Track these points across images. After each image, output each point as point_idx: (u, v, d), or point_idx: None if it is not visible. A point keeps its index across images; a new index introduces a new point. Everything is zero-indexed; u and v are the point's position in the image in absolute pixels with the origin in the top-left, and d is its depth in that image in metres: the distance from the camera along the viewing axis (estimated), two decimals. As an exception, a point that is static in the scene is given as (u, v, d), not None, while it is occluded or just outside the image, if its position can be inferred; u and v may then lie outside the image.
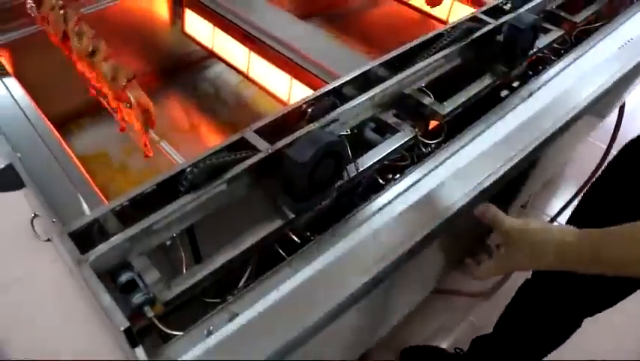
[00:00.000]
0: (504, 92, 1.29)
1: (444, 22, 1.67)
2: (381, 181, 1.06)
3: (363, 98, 0.99)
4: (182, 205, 0.81)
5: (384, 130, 1.06)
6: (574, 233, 0.88)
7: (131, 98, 0.99)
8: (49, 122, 1.13)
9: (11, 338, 1.64)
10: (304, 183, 0.84)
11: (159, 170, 1.28)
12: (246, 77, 1.47)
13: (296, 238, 0.92)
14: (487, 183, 1.00)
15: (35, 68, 1.28)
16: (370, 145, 1.05)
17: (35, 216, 1.26)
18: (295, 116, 0.96)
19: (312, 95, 0.98)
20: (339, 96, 1.03)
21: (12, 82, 1.22)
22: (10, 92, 1.17)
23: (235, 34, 1.43)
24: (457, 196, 0.97)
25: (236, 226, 0.93)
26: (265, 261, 0.89)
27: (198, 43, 1.62)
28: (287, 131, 0.92)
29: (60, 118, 1.27)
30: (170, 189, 0.84)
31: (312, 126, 0.92)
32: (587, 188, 1.37)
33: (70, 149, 1.11)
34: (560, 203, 2.11)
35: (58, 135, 1.11)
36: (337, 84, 1.01)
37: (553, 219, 2.09)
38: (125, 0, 1.49)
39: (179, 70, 1.75)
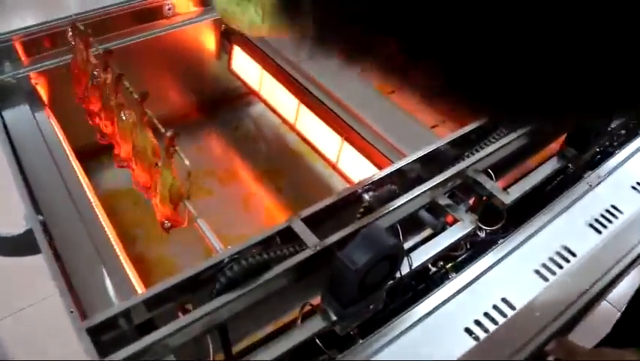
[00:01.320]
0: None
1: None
2: (432, 268, 0.97)
3: (426, 188, 0.89)
4: (217, 307, 0.72)
5: (439, 213, 0.97)
6: None
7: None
8: (79, 168, 1.06)
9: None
10: (354, 288, 0.75)
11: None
12: (292, 127, 1.38)
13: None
14: (565, 318, 0.87)
15: (69, 96, 1.21)
16: (422, 224, 0.96)
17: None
18: (348, 204, 0.87)
19: (368, 179, 0.89)
20: (398, 176, 0.93)
21: (43, 117, 1.15)
22: (41, 131, 1.10)
23: (283, 81, 1.35)
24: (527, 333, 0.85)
25: (273, 315, 0.85)
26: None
27: (243, 83, 1.54)
28: (338, 220, 0.84)
29: (89, 149, 1.20)
30: (204, 280, 0.75)
31: (366, 218, 0.83)
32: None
33: (94, 188, 1.05)
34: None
35: (87, 183, 1.04)
36: (396, 167, 0.92)
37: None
38: (174, 30, 1.42)
39: (220, 105, 1.67)
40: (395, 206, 0.86)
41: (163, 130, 0.95)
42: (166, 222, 0.92)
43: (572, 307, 0.87)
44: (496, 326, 0.84)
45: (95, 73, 1.07)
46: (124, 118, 0.99)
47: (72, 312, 0.74)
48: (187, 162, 0.90)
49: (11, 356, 1.68)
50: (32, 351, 1.67)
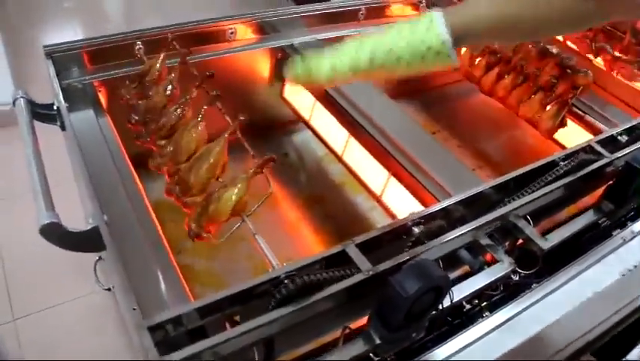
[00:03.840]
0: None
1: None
2: (466, 306, 1.00)
3: (471, 227, 0.93)
4: (271, 320, 0.76)
5: (478, 251, 1.00)
6: None
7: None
8: (137, 178, 1.11)
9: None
10: (402, 315, 0.78)
11: (241, 239, 1.21)
12: (340, 158, 1.43)
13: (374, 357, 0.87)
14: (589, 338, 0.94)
15: (128, 106, 1.26)
16: (461, 262, 0.99)
17: (99, 259, 1.23)
18: (400, 233, 0.91)
19: (417, 214, 0.93)
20: (444, 213, 0.97)
21: (105, 122, 1.20)
22: (104, 136, 1.15)
23: (335, 112, 1.40)
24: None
25: (312, 335, 0.88)
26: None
27: (294, 111, 1.59)
28: (389, 248, 0.89)
29: (141, 156, 1.24)
30: (257, 294, 0.79)
31: (416, 250, 0.87)
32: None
33: (147, 196, 1.09)
34: None
35: (144, 195, 1.08)
36: (444, 205, 0.97)
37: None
38: (231, 55, 1.48)
39: (267, 131, 1.71)
40: (442, 241, 0.90)
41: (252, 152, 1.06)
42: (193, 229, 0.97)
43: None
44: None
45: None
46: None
47: (135, 309, 0.77)
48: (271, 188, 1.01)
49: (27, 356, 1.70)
50: (56, 351, 1.70)
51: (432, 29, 0.78)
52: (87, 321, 1.78)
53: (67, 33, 3.46)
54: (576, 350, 0.94)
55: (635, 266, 1.08)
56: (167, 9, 3.64)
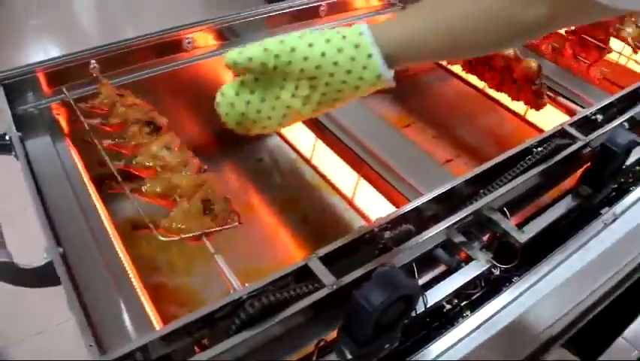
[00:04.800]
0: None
1: (512, 112, 1.56)
2: (446, 306, 0.97)
3: (442, 227, 0.90)
4: (234, 344, 0.73)
5: (454, 250, 0.97)
6: None
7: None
8: (98, 198, 1.08)
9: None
10: (369, 328, 0.75)
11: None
12: (308, 162, 1.39)
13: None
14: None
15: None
16: (437, 261, 0.96)
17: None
18: (365, 242, 0.88)
19: (385, 218, 0.90)
20: (414, 214, 0.94)
21: (64, 147, 1.17)
22: (61, 161, 1.12)
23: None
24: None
25: (286, 350, 0.85)
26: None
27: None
28: (355, 257, 0.85)
29: (106, 177, 1.21)
30: (222, 316, 0.76)
31: (382, 258, 0.84)
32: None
33: (113, 216, 1.06)
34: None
35: (105, 213, 1.05)
36: (413, 206, 0.93)
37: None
38: (193, 63, 1.45)
39: (236, 137, 1.66)
40: (411, 245, 0.87)
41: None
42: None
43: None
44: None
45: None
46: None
47: (91, 346, 0.74)
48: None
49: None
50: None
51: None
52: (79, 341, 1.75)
53: (38, 54, 3.41)
54: (550, 337, 0.92)
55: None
56: (142, 20, 3.59)
